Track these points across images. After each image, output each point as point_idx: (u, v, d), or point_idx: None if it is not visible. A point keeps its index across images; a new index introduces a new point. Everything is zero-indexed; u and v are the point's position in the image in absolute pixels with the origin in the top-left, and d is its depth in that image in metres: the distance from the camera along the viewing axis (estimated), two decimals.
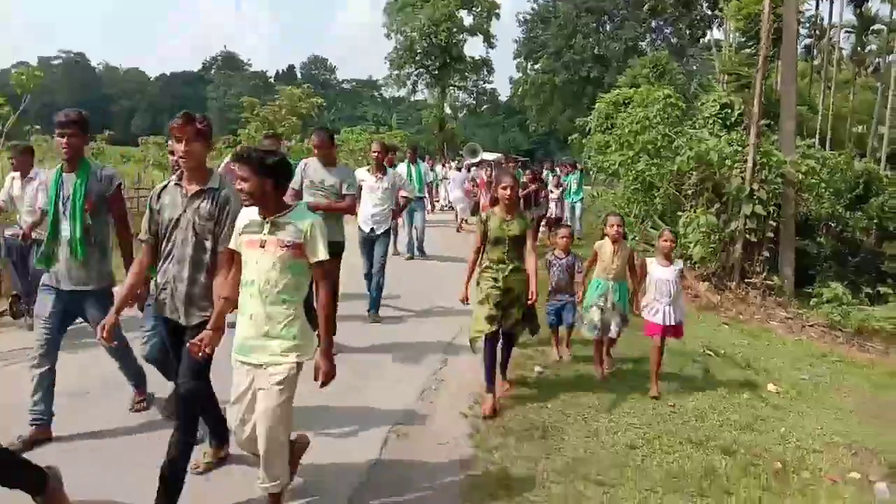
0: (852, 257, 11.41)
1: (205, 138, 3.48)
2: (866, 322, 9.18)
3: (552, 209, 14.44)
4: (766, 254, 10.15)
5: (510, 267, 4.82)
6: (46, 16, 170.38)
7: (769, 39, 10.05)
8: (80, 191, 3.97)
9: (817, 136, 26.34)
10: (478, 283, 4.96)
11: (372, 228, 7.22)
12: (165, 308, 3.50)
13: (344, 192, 5.99)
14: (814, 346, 8.43)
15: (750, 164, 9.93)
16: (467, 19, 48.46)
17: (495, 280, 4.82)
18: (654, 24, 56.33)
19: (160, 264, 3.51)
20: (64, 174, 4.04)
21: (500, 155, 23.08)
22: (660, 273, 5.52)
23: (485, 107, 66.54)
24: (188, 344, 3.18)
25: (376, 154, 7.56)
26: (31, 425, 3.98)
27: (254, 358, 3.12)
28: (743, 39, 20.73)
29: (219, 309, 3.25)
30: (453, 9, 46.12)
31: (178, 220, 3.43)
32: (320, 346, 3.20)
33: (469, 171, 19.08)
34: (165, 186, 3.56)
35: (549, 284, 6.26)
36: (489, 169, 15.85)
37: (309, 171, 6.00)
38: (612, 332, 5.81)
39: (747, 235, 10.02)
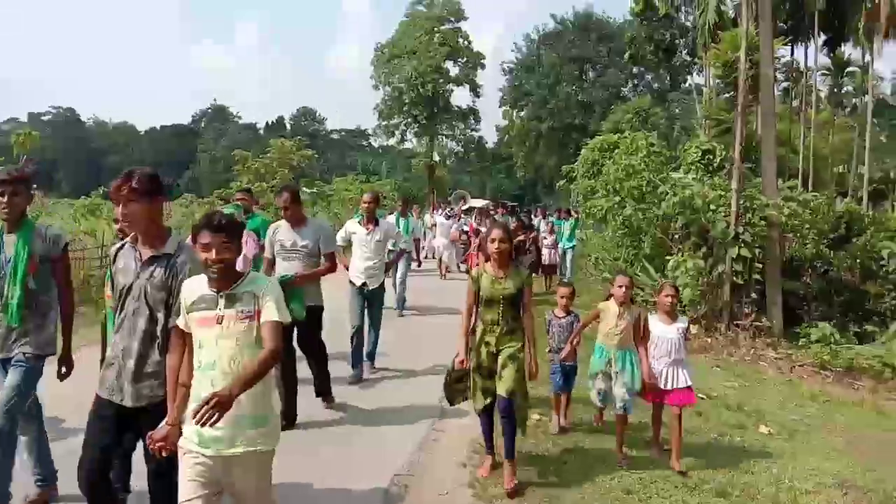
0: (838, 296, 11.62)
1: (146, 197, 3.06)
2: (855, 360, 9.33)
3: (545, 256, 14.56)
4: (754, 295, 10.36)
5: (505, 329, 4.45)
6: (36, 71, 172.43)
7: (746, 88, 10.46)
8: (22, 252, 3.68)
9: (800, 177, 26.92)
10: (474, 348, 4.58)
11: (364, 283, 7.05)
12: (106, 387, 3.09)
13: (322, 250, 5.74)
14: (803, 387, 8.54)
15: (734, 208, 10.20)
16: (453, 70, 49.51)
17: (488, 344, 4.47)
18: (635, 70, 57.84)
19: (112, 336, 3.19)
20: (5, 235, 3.74)
21: (487, 202, 22.76)
22: (661, 331, 5.13)
23: (472, 154, 67.47)
24: (148, 445, 2.86)
25: (367, 204, 7.30)
26: (37, 486, 4.03)
27: (221, 449, 2.71)
28: (723, 85, 21.33)
29: (178, 400, 2.87)
30: (439, 60, 47.14)
31: (130, 287, 3.09)
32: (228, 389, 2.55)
33: (459, 218, 19.27)
34: (122, 248, 3.24)
35: (549, 345, 5.90)
36: (478, 216, 16.07)
37: (279, 235, 5.73)
38: (618, 407, 5.14)
39: (734, 278, 10.24)
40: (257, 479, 2.83)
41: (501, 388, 4.36)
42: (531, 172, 62.66)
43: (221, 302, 2.79)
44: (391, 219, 10.58)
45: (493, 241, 4.52)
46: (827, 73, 40.49)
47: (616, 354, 5.14)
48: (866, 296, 11.46)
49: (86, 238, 11.75)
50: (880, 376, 9.09)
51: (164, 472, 2.94)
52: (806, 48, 30.42)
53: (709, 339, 9.90)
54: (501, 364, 4.40)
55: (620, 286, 5.11)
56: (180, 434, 2.81)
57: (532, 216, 18.78)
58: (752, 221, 10.26)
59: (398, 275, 10.89)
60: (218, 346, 2.75)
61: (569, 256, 15.58)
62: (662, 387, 5.06)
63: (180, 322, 2.89)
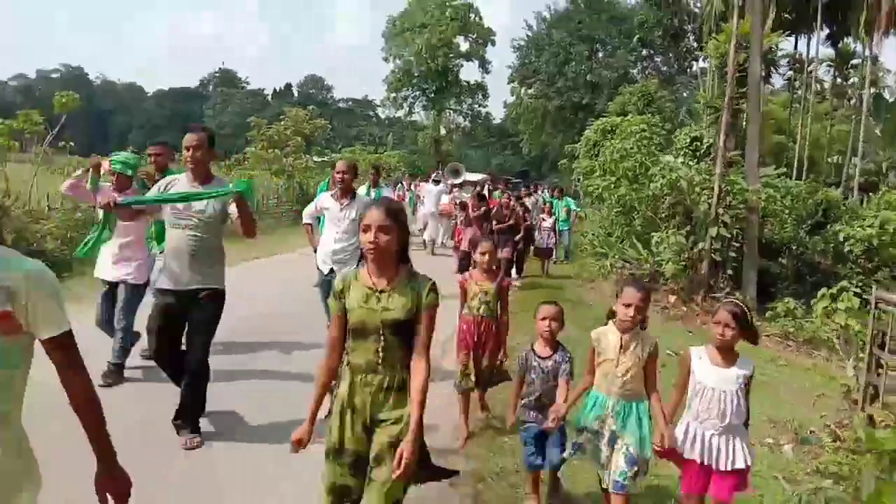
0: (810, 277, 12.63)
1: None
2: (815, 333, 10.34)
3: (541, 238, 13.85)
4: (730, 271, 11.36)
5: (387, 380, 2.70)
6: (45, 27, 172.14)
7: (734, 81, 11.36)
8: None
9: (794, 165, 27.86)
10: (335, 415, 2.82)
11: (332, 269, 5.95)
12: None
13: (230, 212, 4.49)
14: (767, 352, 9.57)
15: (716, 192, 11.16)
16: (463, 45, 50.14)
17: (355, 410, 2.73)
18: (645, 52, 58.34)
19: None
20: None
21: (485, 176, 22.49)
22: (712, 377, 3.40)
23: (478, 129, 68.15)
24: None
25: (342, 175, 6.01)
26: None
27: None
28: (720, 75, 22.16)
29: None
30: (450, 35, 47.76)
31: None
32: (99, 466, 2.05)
33: (450, 192, 17.94)
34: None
35: (521, 398, 4.01)
36: (475, 190, 15.76)
37: (175, 188, 4.43)
38: (613, 483, 3.46)
39: (713, 255, 11.23)
40: None
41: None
42: (537, 150, 63.26)
43: None
44: (362, 191, 8.62)
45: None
46: (832, 64, 41.17)
47: (618, 406, 3.53)
48: (836, 277, 12.45)
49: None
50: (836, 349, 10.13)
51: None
52: (808, 40, 31.10)
53: (685, 309, 10.92)
54: (376, 455, 2.68)
55: (628, 304, 3.44)
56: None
57: (532, 193, 18.48)
58: (731, 204, 11.23)
59: None
60: None
61: (565, 239, 15.82)
62: (705, 461, 3.34)
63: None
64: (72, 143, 12.77)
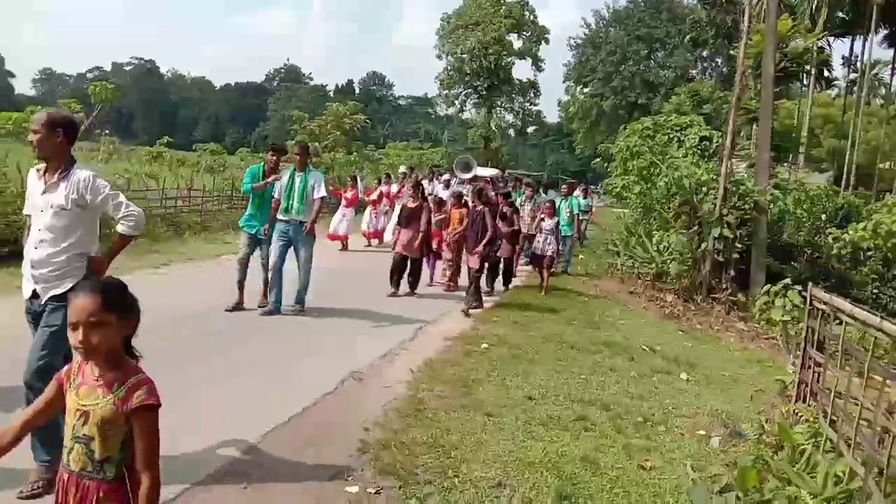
0: (824, 282, 12.36)
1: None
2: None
3: (539, 244, 11.27)
4: (732, 272, 11.27)
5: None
6: (119, 23, 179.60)
7: (742, 83, 11.25)
8: None
9: (845, 168, 26.95)
10: None
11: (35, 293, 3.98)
12: None
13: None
14: (756, 354, 9.52)
15: (721, 192, 11.10)
16: (517, 43, 50.18)
17: None
18: (704, 53, 57.14)
19: None
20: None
21: (497, 171, 21.58)
22: None
23: (533, 128, 67.95)
24: None
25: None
26: None
27: None
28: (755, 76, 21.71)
29: None
30: (503, 33, 47.87)
31: None
32: None
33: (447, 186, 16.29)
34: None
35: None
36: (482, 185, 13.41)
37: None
38: None
39: (715, 255, 11.17)
40: None
41: None
42: (591, 149, 62.78)
43: None
44: (285, 174, 8.02)
45: None
46: None
47: None
48: (850, 283, 12.18)
49: (148, 181, 13.42)
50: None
51: None
52: (864, 41, 29.98)
53: (681, 308, 10.91)
54: None
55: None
56: None
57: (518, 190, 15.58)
58: (737, 205, 11.14)
59: (301, 259, 8.34)
60: None
61: (566, 247, 13.76)
62: None
63: None
64: (106, 131, 13.57)
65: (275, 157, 8.12)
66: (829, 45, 28.88)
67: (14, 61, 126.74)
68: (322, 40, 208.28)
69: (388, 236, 14.48)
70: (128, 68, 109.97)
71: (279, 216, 7.91)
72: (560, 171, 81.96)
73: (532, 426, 5.14)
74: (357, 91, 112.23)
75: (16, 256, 9.40)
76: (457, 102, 52.20)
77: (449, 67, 50.09)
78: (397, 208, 14.07)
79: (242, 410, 4.96)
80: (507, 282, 11.54)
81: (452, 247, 10.61)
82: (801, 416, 5.08)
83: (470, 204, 10.30)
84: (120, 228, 3.81)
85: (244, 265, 8.02)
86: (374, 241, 15.63)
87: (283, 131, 64.18)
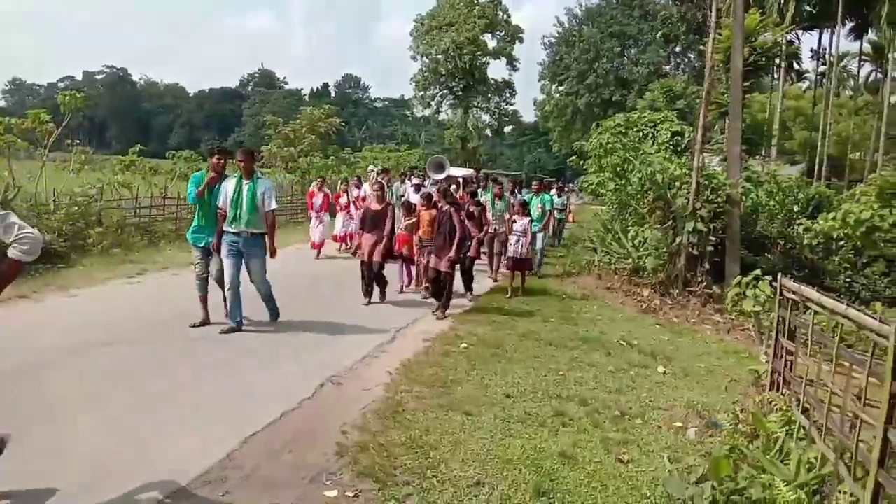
0: (798, 272, 12.53)
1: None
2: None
3: (514, 247, 10.91)
4: (707, 265, 11.38)
5: None
6: (91, 30, 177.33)
7: (712, 78, 11.38)
8: None
9: (816, 160, 27.38)
10: None
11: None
12: None
13: None
14: (732, 345, 9.62)
15: (693, 186, 11.21)
16: (491, 43, 50.33)
17: None
18: (677, 48, 57.69)
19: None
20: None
21: (471, 171, 20.67)
22: None
23: (510, 128, 68.17)
24: None
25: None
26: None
27: None
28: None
29: None
30: (477, 33, 47.99)
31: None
32: None
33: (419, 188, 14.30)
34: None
35: None
36: (455, 185, 14.00)
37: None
38: None
39: (690, 249, 11.28)
40: None
41: None
42: (567, 147, 63.11)
43: None
44: (231, 183, 7.41)
45: None
46: (867, 59, 40.14)
47: None
48: (823, 273, 12.36)
49: (122, 190, 13.28)
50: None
51: None
52: (832, 34, 30.46)
53: (658, 302, 11.01)
54: None
55: None
56: None
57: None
58: (709, 198, 11.26)
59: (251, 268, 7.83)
60: None
61: (538, 242, 13.21)
62: None
63: None
64: (77, 141, 13.42)
65: (220, 161, 7.57)
66: (798, 39, 29.36)
67: None
68: (297, 44, 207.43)
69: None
70: (99, 77, 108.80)
71: (227, 227, 7.35)
72: (538, 169, 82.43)
73: (510, 423, 5.17)
74: (333, 94, 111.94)
75: None
76: (433, 103, 52.34)
77: (424, 68, 50.18)
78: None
79: (219, 418, 4.94)
80: (468, 284, 10.88)
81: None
82: (775, 404, 5.16)
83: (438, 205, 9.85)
84: (11, 253, 3.32)
85: (203, 280, 7.64)
86: (344, 246, 15.20)
87: (258, 136, 63.87)
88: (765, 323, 9.11)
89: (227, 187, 7.34)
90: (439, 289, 9.25)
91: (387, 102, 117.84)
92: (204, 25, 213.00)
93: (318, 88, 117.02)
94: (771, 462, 4.22)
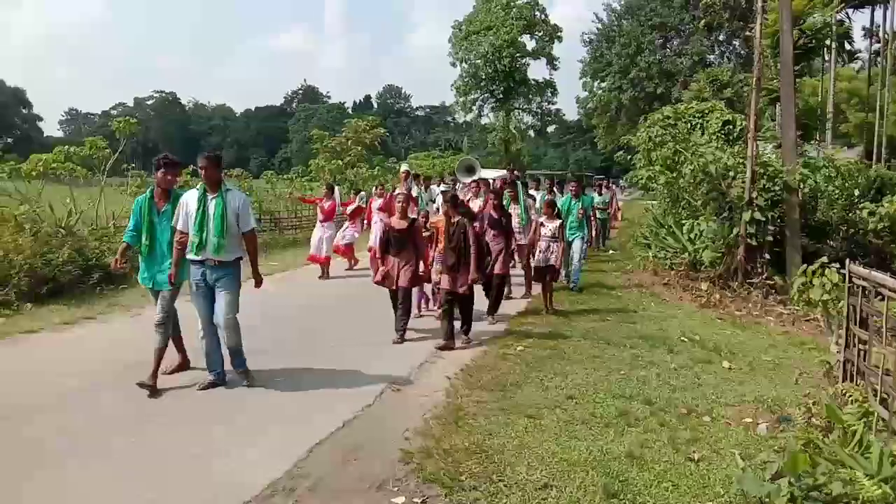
0: (863, 258, 12.06)
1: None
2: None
3: (541, 253, 9.44)
4: (767, 256, 11.05)
5: None
6: (140, 57, 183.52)
7: (761, 64, 11.07)
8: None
9: (875, 142, 26.32)
10: None
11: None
12: None
13: None
14: (798, 337, 9.31)
15: (749, 175, 10.91)
16: (530, 44, 50.10)
17: None
18: (721, 36, 56.42)
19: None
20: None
21: (505, 172, 19.44)
22: None
23: (553, 127, 67.69)
24: None
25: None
26: None
27: None
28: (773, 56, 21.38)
29: None
30: (516, 35, 47.82)
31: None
32: None
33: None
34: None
35: None
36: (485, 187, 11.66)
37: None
38: None
39: (748, 240, 10.98)
40: None
41: None
42: (613, 143, 62.27)
43: None
44: (192, 195, 5.83)
45: None
46: None
47: None
48: (890, 258, 11.87)
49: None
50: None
51: None
52: (884, 11, 29.28)
53: (717, 296, 10.73)
54: None
55: None
56: None
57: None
58: (766, 187, 10.94)
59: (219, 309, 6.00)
60: None
61: (577, 252, 11.39)
62: None
63: None
64: (133, 164, 13.84)
65: (167, 176, 6.05)
66: (849, 18, 28.32)
67: (41, 104, 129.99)
68: (336, 58, 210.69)
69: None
70: (149, 102, 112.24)
71: (190, 256, 5.72)
72: (584, 167, 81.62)
73: (574, 425, 5.09)
74: (375, 105, 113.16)
75: (56, 294, 9.69)
76: (474, 108, 52.26)
77: (464, 74, 50.17)
78: (376, 227, 10.90)
79: (283, 429, 5.00)
80: (494, 305, 9.23)
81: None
82: (850, 396, 4.95)
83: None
84: None
85: (164, 325, 5.93)
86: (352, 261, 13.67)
87: (304, 151, 64.90)
88: (832, 312, 8.80)
89: (188, 204, 5.71)
90: (451, 315, 7.66)
91: (428, 110, 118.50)
92: (246, 45, 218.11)
93: (360, 101, 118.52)
94: (851, 456, 4.05)
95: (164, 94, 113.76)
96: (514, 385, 6.02)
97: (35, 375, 6.27)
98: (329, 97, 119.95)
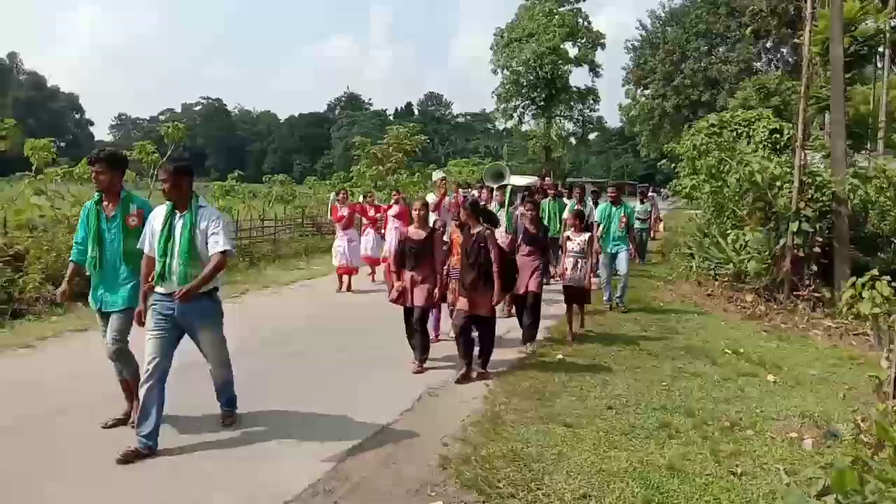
0: None
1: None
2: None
3: (568, 268, 8.58)
4: (815, 268, 10.79)
5: None
6: (188, 65, 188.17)
7: (810, 71, 10.84)
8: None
9: None
10: None
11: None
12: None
13: None
14: (847, 351, 9.06)
15: (796, 184, 10.69)
16: (572, 51, 49.87)
17: None
18: (768, 44, 55.40)
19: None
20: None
21: (535, 179, 18.13)
22: None
23: (594, 134, 67.19)
24: None
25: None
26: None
27: None
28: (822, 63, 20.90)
29: None
30: (558, 42, 47.67)
31: None
32: None
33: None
34: None
35: None
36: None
37: None
38: None
39: (795, 251, 10.74)
40: None
41: None
42: (656, 151, 61.53)
43: None
44: (160, 210, 4.77)
45: None
46: None
47: None
48: None
49: (224, 215, 13.94)
50: None
51: None
52: None
53: (763, 308, 10.52)
54: None
55: None
56: None
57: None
58: (814, 197, 10.70)
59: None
60: None
61: (622, 266, 10.39)
62: None
63: None
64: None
65: (100, 176, 4.98)
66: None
67: (92, 109, 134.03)
68: (378, 66, 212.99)
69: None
70: (197, 108, 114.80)
71: (156, 287, 4.70)
72: (626, 175, 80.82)
73: (614, 436, 5.05)
74: (416, 112, 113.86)
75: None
76: (515, 115, 52.20)
77: (505, 81, 50.18)
78: (391, 235, 10.58)
79: (323, 430, 5.06)
80: (531, 330, 7.87)
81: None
82: None
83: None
84: None
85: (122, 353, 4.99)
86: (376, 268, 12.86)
87: (346, 158, 65.72)
88: (883, 326, 8.55)
89: (154, 222, 4.75)
90: (469, 340, 6.60)
91: (468, 117, 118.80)
92: (292, 52, 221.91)
93: (401, 108, 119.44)
94: None
95: (210, 101, 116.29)
96: (553, 394, 5.99)
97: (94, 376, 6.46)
98: (371, 104, 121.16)
